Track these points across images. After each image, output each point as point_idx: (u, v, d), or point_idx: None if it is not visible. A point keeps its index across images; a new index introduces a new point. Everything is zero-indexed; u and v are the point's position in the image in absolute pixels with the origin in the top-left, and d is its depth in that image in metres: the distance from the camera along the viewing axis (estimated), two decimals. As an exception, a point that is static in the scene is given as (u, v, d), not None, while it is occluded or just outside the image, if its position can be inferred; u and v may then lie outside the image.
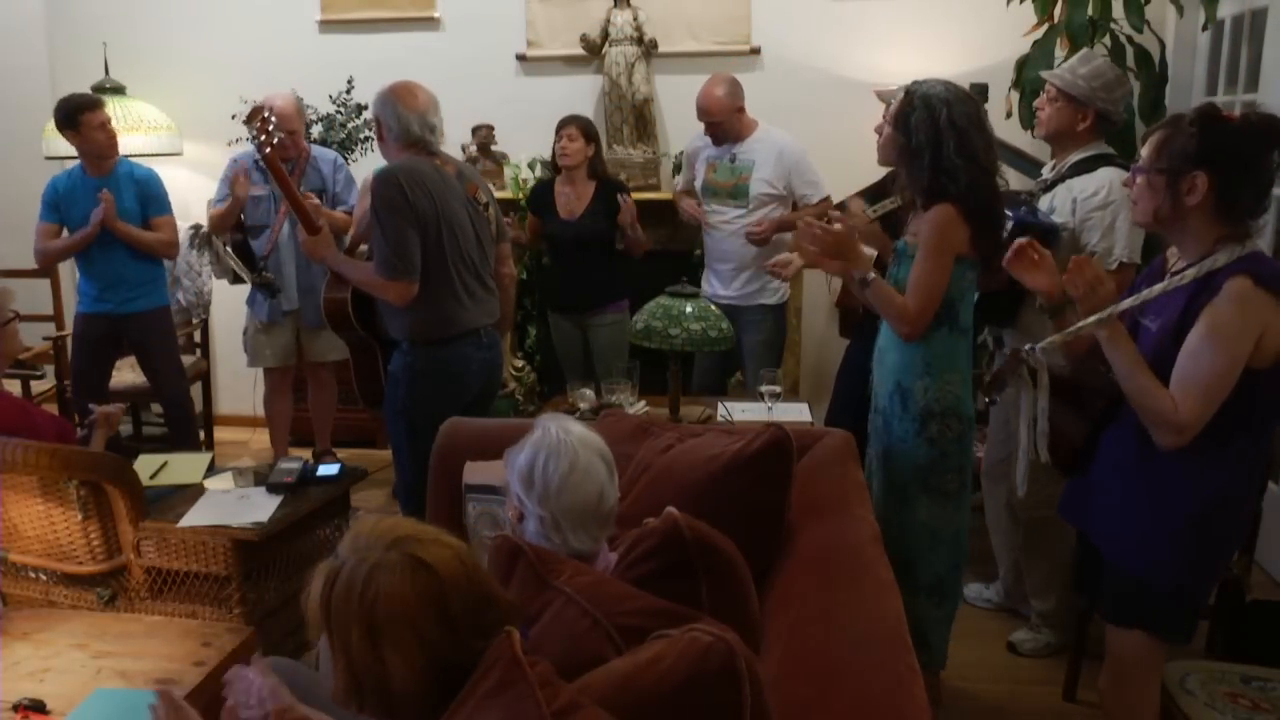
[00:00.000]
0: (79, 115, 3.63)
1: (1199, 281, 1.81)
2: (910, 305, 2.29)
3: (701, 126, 3.71)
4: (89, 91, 3.81)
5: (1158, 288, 1.89)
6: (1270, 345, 1.76)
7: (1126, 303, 1.92)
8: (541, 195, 3.87)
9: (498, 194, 3.47)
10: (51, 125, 4.32)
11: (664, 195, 4.27)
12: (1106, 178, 2.61)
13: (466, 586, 1.18)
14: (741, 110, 3.66)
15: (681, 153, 4.21)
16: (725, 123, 3.62)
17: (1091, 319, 1.89)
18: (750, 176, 3.64)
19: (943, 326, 2.32)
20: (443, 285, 2.72)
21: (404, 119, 2.71)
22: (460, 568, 1.20)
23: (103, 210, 3.62)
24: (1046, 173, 2.86)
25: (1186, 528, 1.87)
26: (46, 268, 3.98)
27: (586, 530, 1.63)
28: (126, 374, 4.22)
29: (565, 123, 3.74)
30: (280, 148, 3.69)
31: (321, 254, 2.92)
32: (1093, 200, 2.60)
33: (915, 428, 2.37)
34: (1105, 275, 1.96)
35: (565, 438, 1.64)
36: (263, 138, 2.92)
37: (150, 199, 3.81)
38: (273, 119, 2.97)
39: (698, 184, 3.81)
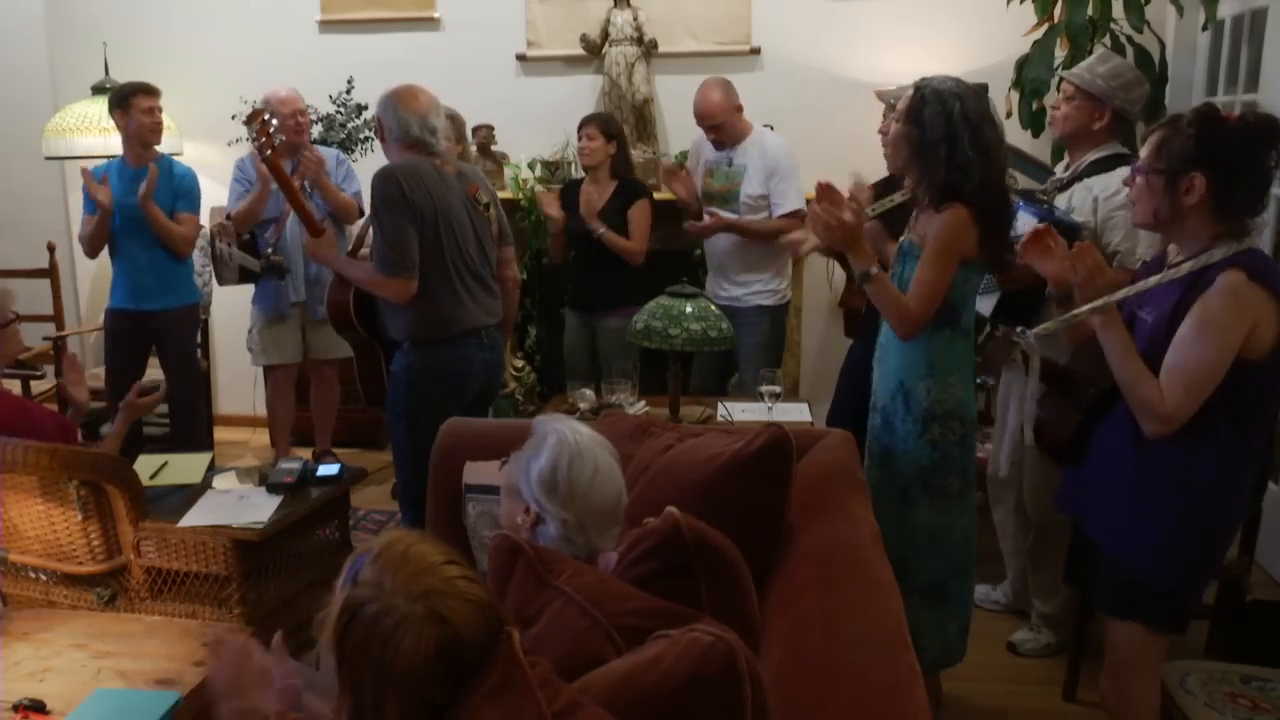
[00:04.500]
0: (131, 97, 3.70)
1: (1194, 275, 1.84)
2: (912, 305, 2.26)
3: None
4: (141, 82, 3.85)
5: (1154, 279, 1.93)
6: (1262, 339, 1.78)
7: (1123, 292, 1.95)
8: (568, 194, 3.86)
9: (499, 194, 3.46)
10: (51, 125, 4.33)
11: (665, 196, 4.25)
12: None
13: (483, 637, 1.18)
14: (739, 110, 3.65)
15: (682, 153, 4.22)
16: (726, 124, 3.60)
17: (1087, 306, 1.93)
18: (742, 182, 3.63)
19: (944, 328, 2.31)
20: (442, 284, 2.72)
21: (404, 120, 2.72)
22: (482, 622, 1.18)
23: (146, 184, 3.61)
24: (1061, 172, 2.86)
25: (1178, 519, 1.89)
26: (95, 254, 3.96)
27: (609, 530, 1.66)
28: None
29: (585, 121, 3.72)
30: (294, 129, 3.72)
31: (324, 255, 2.94)
32: (1115, 199, 2.59)
33: (918, 429, 2.36)
34: (1105, 264, 1.99)
35: (584, 440, 1.65)
36: (263, 140, 2.92)
37: (182, 194, 3.83)
38: (273, 122, 2.97)
39: (698, 188, 3.78)
